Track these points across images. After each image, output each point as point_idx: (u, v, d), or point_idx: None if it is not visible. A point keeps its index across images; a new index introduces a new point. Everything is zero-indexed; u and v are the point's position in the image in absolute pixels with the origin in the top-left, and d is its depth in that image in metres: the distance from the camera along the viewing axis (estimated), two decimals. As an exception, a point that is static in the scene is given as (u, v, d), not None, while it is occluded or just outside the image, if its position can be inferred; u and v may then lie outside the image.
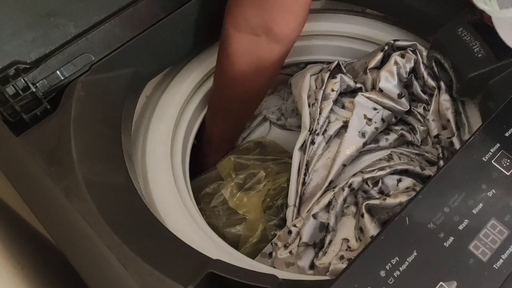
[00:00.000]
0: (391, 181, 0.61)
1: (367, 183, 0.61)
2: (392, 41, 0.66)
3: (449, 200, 0.43)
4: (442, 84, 0.62)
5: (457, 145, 0.61)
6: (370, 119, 0.64)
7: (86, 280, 0.43)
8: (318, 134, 0.64)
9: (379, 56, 0.67)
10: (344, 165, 0.62)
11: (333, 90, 0.66)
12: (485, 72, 0.54)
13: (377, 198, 0.58)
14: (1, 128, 0.52)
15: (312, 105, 0.66)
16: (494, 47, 0.55)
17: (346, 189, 0.59)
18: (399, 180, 0.61)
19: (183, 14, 0.63)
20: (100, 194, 0.47)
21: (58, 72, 0.56)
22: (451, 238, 0.41)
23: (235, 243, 0.68)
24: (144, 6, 0.61)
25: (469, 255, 0.40)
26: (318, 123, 0.64)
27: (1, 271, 0.44)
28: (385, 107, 0.65)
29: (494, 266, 0.40)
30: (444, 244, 0.41)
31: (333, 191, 0.60)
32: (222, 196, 0.70)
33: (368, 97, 0.65)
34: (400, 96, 0.65)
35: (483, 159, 0.45)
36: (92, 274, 0.43)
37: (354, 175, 0.61)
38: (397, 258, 0.40)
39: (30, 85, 0.54)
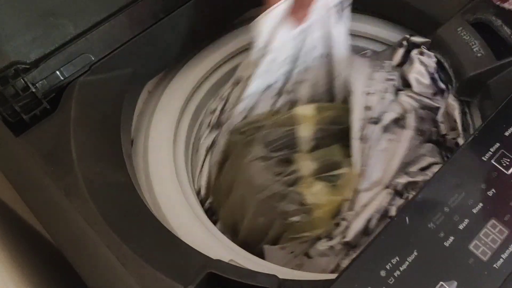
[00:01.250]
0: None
1: (406, 189, 0.58)
2: (408, 36, 0.64)
3: (449, 200, 0.43)
4: (449, 84, 0.62)
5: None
6: (423, 118, 0.63)
7: (86, 279, 0.43)
8: (375, 123, 0.61)
9: (401, 52, 0.64)
10: (404, 163, 0.59)
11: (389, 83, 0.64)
12: (485, 71, 0.54)
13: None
14: (1, 128, 0.52)
15: (368, 94, 0.63)
16: (493, 47, 0.55)
17: (392, 192, 0.57)
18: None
19: (182, 14, 0.63)
20: (99, 193, 0.47)
21: (57, 72, 0.56)
22: (451, 238, 0.41)
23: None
24: (144, 6, 0.61)
25: (469, 255, 0.40)
26: (374, 112, 0.61)
27: (1, 272, 0.44)
28: (425, 106, 0.63)
29: (495, 265, 0.40)
30: (444, 243, 0.41)
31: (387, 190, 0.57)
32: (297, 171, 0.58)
33: (412, 97, 0.63)
34: (435, 94, 0.63)
35: (483, 158, 0.45)
36: (91, 274, 0.43)
37: (398, 176, 0.58)
38: (397, 258, 0.40)
39: (30, 85, 0.54)
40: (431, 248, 0.40)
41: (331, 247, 0.56)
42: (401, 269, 0.39)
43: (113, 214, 0.46)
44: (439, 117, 0.63)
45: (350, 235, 0.55)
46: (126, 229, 0.45)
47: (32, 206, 0.48)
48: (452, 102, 0.61)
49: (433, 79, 0.63)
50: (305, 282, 0.48)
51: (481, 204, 0.43)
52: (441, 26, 0.58)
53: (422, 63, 0.62)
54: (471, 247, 0.41)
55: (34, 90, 0.54)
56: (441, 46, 0.58)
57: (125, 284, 0.42)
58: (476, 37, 0.55)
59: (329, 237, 0.57)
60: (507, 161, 0.45)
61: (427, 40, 0.63)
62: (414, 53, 0.63)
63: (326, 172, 0.59)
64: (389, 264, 0.39)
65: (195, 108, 0.70)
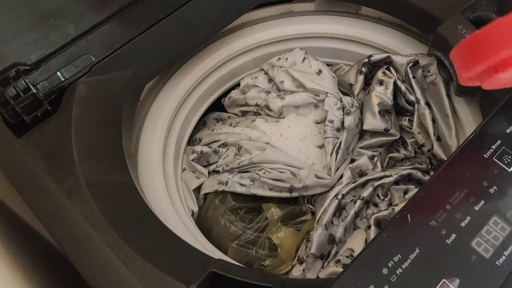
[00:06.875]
0: (397, 193, 0.62)
1: (378, 196, 0.61)
2: (367, 60, 0.66)
3: (450, 197, 0.43)
4: (418, 95, 0.62)
5: (440, 153, 0.61)
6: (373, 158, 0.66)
7: (88, 280, 0.43)
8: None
9: (360, 81, 0.67)
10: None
11: None
12: (486, 69, 0.54)
13: (386, 209, 0.58)
14: (2, 129, 0.52)
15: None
16: (494, 44, 0.55)
17: (359, 202, 0.59)
18: (405, 192, 0.62)
19: (182, 15, 0.63)
20: (101, 194, 0.47)
21: (58, 73, 0.56)
22: (453, 235, 0.41)
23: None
24: (144, 7, 0.61)
25: (472, 252, 0.40)
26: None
27: (3, 274, 0.44)
28: (378, 145, 0.67)
29: (497, 262, 0.40)
30: (446, 241, 0.41)
31: (337, 198, 0.60)
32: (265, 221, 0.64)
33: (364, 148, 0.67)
34: (387, 130, 0.65)
35: (484, 155, 0.45)
36: (94, 274, 0.43)
37: (364, 186, 0.61)
38: (399, 256, 0.40)
39: (31, 86, 0.54)
40: (433, 246, 0.40)
41: (304, 270, 0.58)
42: (403, 266, 0.39)
43: (115, 215, 0.46)
44: (414, 128, 0.64)
45: (313, 247, 0.57)
46: (128, 229, 0.45)
47: (33, 207, 0.48)
48: (423, 112, 0.61)
49: (401, 94, 0.64)
50: (308, 280, 0.48)
51: (482, 201, 0.43)
52: (441, 24, 0.58)
53: (377, 96, 0.63)
54: (473, 244, 0.41)
55: (35, 91, 0.54)
56: (441, 44, 0.58)
57: (127, 283, 0.42)
58: (477, 35, 0.55)
59: (301, 260, 0.59)
60: (509, 158, 0.45)
61: (386, 55, 0.64)
62: (375, 83, 0.64)
63: (292, 219, 0.64)
64: (391, 261, 0.39)
65: (185, 116, 0.70)
